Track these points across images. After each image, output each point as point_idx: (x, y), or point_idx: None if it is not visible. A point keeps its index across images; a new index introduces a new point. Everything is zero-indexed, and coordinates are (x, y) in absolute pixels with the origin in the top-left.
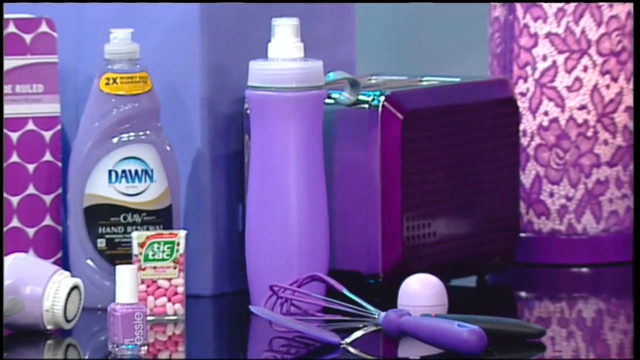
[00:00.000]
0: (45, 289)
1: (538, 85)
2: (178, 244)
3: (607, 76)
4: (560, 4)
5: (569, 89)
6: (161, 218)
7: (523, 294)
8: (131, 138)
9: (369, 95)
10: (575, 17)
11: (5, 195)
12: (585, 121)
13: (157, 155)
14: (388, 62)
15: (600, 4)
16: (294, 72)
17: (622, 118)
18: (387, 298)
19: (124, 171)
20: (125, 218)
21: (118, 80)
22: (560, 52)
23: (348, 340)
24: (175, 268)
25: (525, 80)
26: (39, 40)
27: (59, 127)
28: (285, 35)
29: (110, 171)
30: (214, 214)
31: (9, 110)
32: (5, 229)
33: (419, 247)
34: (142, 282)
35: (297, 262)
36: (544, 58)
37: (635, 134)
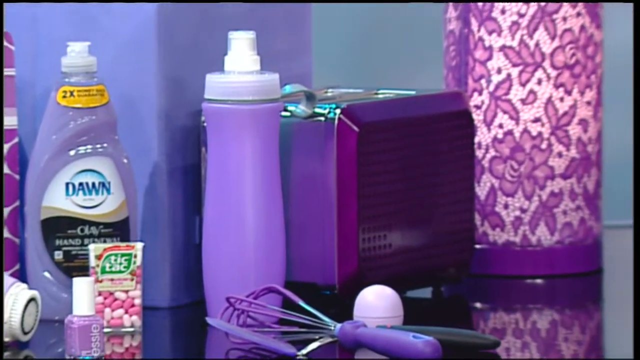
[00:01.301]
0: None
1: (493, 98)
2: (135, 256)
3: (561, 89)
4: (515, 17)
5: (524, 101)
6: (118, 230)
7: (478, 305)
8: (88, 151)
9: (325, 108)
10: (530, 31)
11: None
12: (540, 133)
13: (114, 168)
14: (344, 75)
15: (555, 17)
16: (251, 85)
17: (576, 130)
18: (343, 309)
19: (81, 184)
20: (82, 230)
21: (75, 93)
22: (515, 65)
23: (304, 351)
24: (132, 280)
25: (480, 93)
26: None
27: (16, 139)
28: (241, 49)
29: (67, 184)
30: (171, 226)
31: None
32: None
33: (374, 259)
34: (99, 294)
35: (253, 274)
36: (499, 71)
37: (635, 134)
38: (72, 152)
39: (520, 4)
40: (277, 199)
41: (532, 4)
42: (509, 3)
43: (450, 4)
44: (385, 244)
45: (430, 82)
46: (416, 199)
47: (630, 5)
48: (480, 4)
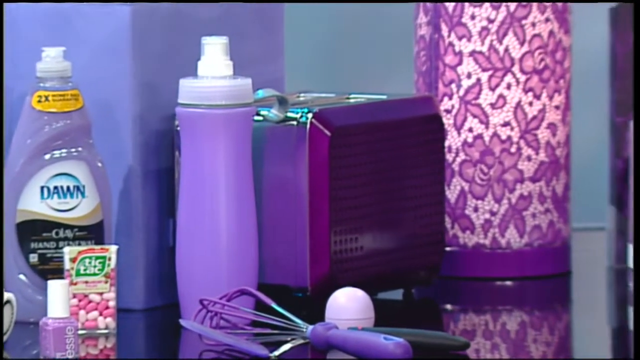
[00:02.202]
0: None
1: (463, 102)
2: (109, 259)
3: (530, 93)
4: (484, 23)
5: (493, 106)
6: (93, 233)
7: (448, 307)
8: (63, 155)
9: (297, 112)
10: (499, 36)
11: None
12: (509, 137)
13: (89, 172)
14: (316, 79)
15: (524, 22)
16: (224, 90)
17: (545, 134)
18: (315, 311)
19: (56, 187)
20: (57, 233)
21: (50, 98)
22: (485, 69)
23: (276, 353)
24: (106, 282)
25: (450, 98)
26: None
27: None
28: (214, 54)
29: (42, 187)
30: (145, 229)
31: None
32: None
33: (346, 261)
34: (74, 296)
35: (226, 277)
36: (469, 76)
37: (635, 136)
38: (47, 156)
39: (489, 10)
40: (250, 202)
41: (501, 10)
42: (478, 9)
43: (421, 10)
44: (357, 246)
45: (401, 86)
46: (387, 202)
47: (599, 11)
48: (450, 10)
